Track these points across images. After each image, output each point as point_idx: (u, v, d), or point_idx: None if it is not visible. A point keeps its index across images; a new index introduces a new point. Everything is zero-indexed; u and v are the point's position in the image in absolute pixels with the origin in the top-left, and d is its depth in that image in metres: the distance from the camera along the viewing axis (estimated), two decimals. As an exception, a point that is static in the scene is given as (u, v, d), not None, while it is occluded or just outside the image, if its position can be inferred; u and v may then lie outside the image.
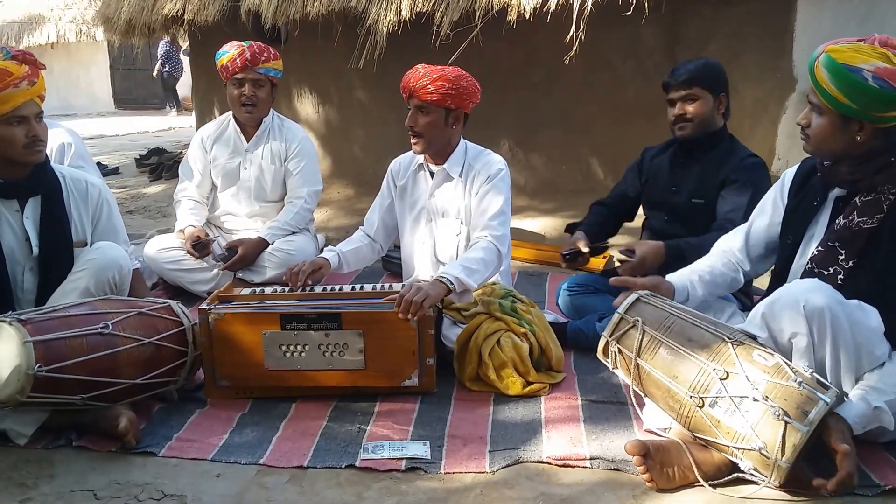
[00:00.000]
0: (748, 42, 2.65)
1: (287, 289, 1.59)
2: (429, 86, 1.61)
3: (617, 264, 1.61)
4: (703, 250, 1.49)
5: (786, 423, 1.00)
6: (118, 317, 1.32)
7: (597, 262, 2.43)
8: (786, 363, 1.07)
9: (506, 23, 2.51)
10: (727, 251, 1.42)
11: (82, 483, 1.17)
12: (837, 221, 1.22)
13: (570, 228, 1.82)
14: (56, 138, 2.03)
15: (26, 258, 1.47)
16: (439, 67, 1.65)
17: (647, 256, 1.54)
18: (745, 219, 1.47)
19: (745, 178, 1.60)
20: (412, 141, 1.69)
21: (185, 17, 3.42)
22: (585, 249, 1.67)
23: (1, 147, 1.41)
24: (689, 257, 1.49)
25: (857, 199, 1.21)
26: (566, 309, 1.82)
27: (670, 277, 1.36)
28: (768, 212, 1.37)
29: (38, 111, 1.44)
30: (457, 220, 1.72)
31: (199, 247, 2.08)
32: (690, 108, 1.63)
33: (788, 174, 1.36)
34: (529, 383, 1.46)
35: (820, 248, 1.23)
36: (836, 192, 1.26)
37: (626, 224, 1.91)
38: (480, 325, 1.50)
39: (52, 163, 1.54)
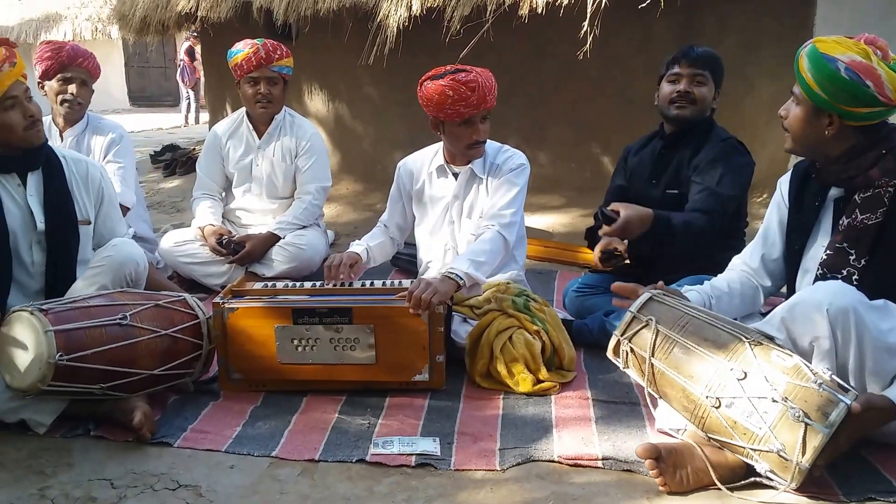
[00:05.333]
0: (766, 36, 2.60)
1: (298, 284, 1.61)
2: (493, 90, 1.61)
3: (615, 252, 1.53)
4: (689, 230, 1.47)
5: (806, 424, 0.99)
6: (136, 308, 1.34)
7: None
8: (805, 364, 1.05)
9: (517, 17, 2.49)
10: (745, 270, 1.39)
11: (100, 472, 1.20)
12: (841, 222, 1.20)
13: (590, 233, 1.75)
14: (108, 135, 2.15)
15: (31, 232, 1.47)
16: (479, 70, 1.61)
17: (632, 220, 1.44)
18: (713, 196, 1.46)
19: (712, 156, 1.58)
20: (477, 149, 1.66)
21: (199, 14, 3.45)
22: (622, 248, 1.56)
23: (2, 134, 1.40)
24: (677, 234, 1.45)
25: (856, 196, 1.19)
26: (574, 310, 1.80)
27: (689, 294, 1.33)
28: (775, 226, 1.36)
29: (26, 88, 1.43)
30: (481, 219, 1.70)
31: (225, 244, 2.11)
32: (698, 91, 1.61)
33: (783, 181, 1.36)
34: (540, 381, 1.46)
35: (828, 251, 1.21)
36: (835, 192, 1.25)
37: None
38: (493, 321, 1.49)
39: (55, 145, 1.55)
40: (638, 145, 1.80)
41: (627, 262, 1.55)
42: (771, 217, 1.37)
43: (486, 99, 1.59)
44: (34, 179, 1.48)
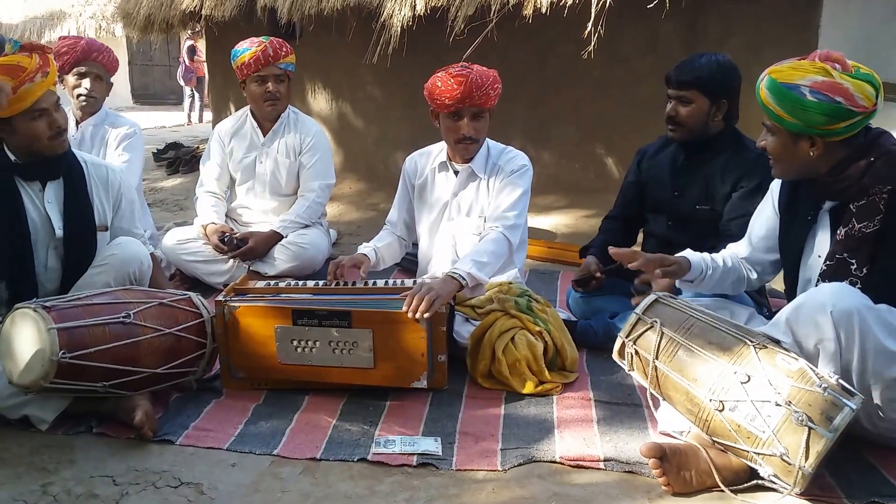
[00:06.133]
0: (770, 37, 2.58)
1: (302, 282, 1.61)
2: (489, 90, 1.58)
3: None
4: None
5: (809, 429, 0.98)
6: (140, 306, 1.34)
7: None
8: (810, 368, 1.05)
9: (521, 17, 2.48)
10: (735, 254, 1.41)
11: (102, 469, 1.20)
12: (838, 232, 1.20)
13: (583, 252, 1.78)
14: (123, 128, 2.21)
15: (49, 238, 1.50)
16: (478, 68, 1.60)
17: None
18: (745, 229, 1.43)
19: (755, 183, 1.54)
20: (465, 146, 1.65)
21: (203, 12, 3.46)
22: (598, 274, 1.64)
23: (26, 140, 1.43)
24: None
25: (850, 206, 1.18)
26: (578, 310, 1.80)
27: (688, 253, 1.34)
28: (764, 226, 1.36)
29: (56, 99, 1.45)
30: (480, 219, 1.70)
31: (227, 240, 2.12)
32: (682, 111, 1.58)
33: (775, 186, 1.35)
34: (542, 383, 1.45)
35: (828, 262, 1.20)
36: (829, 203, 1.24)
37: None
38: (495, 322, 1.49)
39: (76, 149, 1.59)
40: (654, 149, 1.75)
41: (601, 279, 1.60)
42: (760, 217, 1.37)
43: (472, 95, 1.57)
44: (53, 186, 1.50)
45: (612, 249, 1.33)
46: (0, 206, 1.44)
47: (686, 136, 1.60)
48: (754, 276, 1.40)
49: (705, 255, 1.37)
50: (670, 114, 1.60)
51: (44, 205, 1.48)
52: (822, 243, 1.24)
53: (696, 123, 1.58)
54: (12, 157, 1.46)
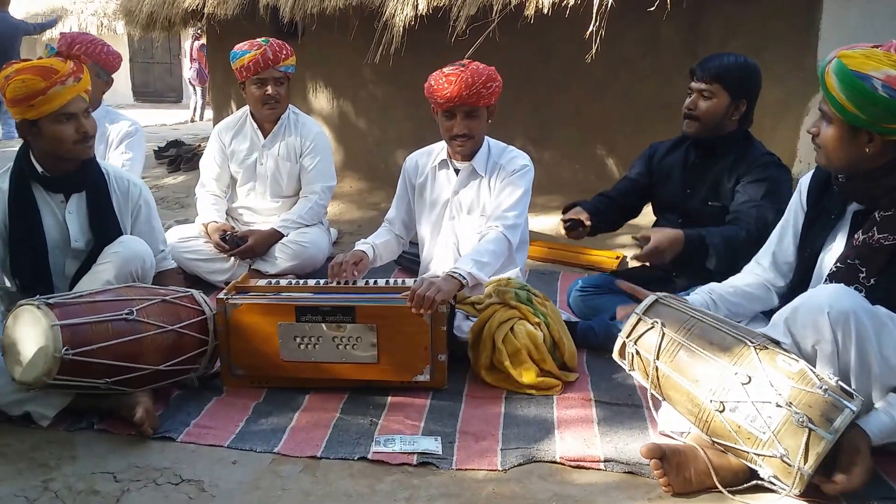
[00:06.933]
0: (771, 39, 2.59)
1: (303, 281, 1.61)
2: (481, 89, 1.57)
3: (631, 264, 1.57)
4: (726, 242, 1.45)
5: (809, 430, 0.98)
6: (142, 303, 1.35)
7: (609, 262, 2.42)
8: (810, 369, 1.05)
9: (523, 18, 2.49)
10: (756, 272, 1.37)
11: (103, 465, 1.20)
12: (856, 237, 1.17)
13: (569, 206, 1.76)
14: (123, 125, 2.22)
15: (66, 247, 1.52)
16: (473, 66, 1.60)
17: (663, 243, 1.46)
18: (758, 212, 1.43)
19: (759, 175, 1.56)
20: (459, 143, 1.65)
21: (205, 10, 3.46)
22: (588, 222, 1.62)
23: (51, 144, 1.44)
24: (711, 248, 1.44)
25: (876, 213, 1.16)
26: (578, 310, 1.80)
27: (691, 297, 1.32)
28: (791, 224, 1.33)
29: (86, 107, 1.47)
30: (481, 218, 1.71)
31: (228, 240, 2.12)
32: (702, 105, 1.58)
33: (804, 181, 1.32)
34: (544, 372, 1.45)
35: (839, 264, 1.18)
36: (855, 205, 1.22)
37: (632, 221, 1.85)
38: (494, 314, 1.49)
39: (100, 156, 1.61)
40: (665, 148, 1.75)
41: (588, 227, 1.60)
42: (788, 217, 1.34)
43: (461, 94, 1.57)
44: (77, 200, 1.52)
45: (619, 283, 1.34)
46: (18, 216, 1.46)
47: (700, 130, 1.60)
48: (781, 283, 1.33)
49: (708, 289, 1.33)
50: (689, 107, 1.60)
51: (63, 216, 1.50)
52: (839, 245, 1.22)
53: (714, 119, 1.58)
54: (39, 169, 1.47)
